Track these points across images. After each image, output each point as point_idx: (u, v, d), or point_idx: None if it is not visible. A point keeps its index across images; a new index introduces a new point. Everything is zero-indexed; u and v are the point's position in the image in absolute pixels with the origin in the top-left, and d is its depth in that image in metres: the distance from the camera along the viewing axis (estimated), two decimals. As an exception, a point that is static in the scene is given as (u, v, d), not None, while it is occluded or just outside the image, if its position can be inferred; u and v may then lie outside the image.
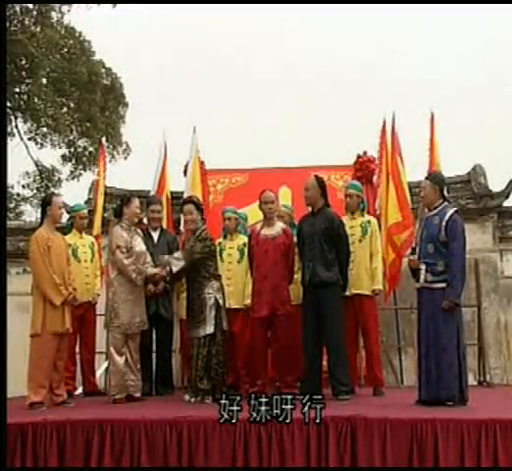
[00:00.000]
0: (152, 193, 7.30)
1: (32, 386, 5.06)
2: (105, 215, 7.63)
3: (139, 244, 5.58)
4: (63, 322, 5.20)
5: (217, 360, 5.29)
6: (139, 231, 5.78)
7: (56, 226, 5.52)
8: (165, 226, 6.74)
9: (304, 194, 5.58)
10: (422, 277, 4.86)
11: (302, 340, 5.47)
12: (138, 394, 5.52)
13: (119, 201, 5.77)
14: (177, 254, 5.54)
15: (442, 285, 4.76)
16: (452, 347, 4.70)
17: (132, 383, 5.49)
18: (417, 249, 4.99)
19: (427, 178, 5.15)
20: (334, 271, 5.39)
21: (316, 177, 5.62)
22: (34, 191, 16.00)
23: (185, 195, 7.41)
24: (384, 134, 7.17)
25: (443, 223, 4.81)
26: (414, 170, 7.22)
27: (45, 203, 5.37)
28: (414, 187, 7.91)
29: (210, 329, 5.28)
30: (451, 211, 4.88)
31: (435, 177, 5.14)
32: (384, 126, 7.22)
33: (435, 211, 4.95)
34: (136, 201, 5.66)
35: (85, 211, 6.58)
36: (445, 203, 4.98)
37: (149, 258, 5.62)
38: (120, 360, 5.41)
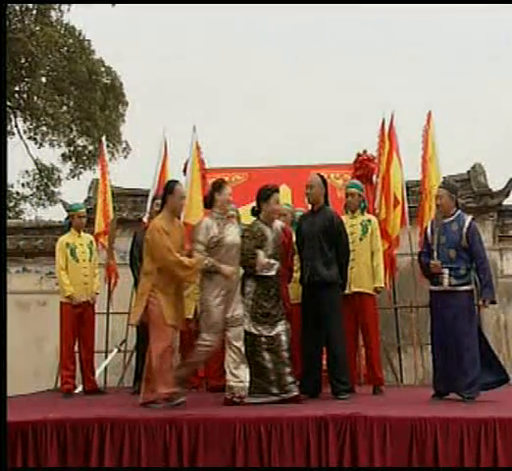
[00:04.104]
0: (152, 192, 7.29)
1: (160, 379, 4.72)
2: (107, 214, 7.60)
3: (232, 234, 5.04)
4: (182, 317, 4.98)
5: None
6: (234, 220, 5.36)
7: (176, 215, 5.16)
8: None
9: (307, 192, 5.55)
10: (445, 281, 5.14)
11: (302, 340, 5.46)
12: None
13: (211, 188, 5.22)
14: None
15: (466, 287, 5.13)
16: (475, 346, 5.08)
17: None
18: (434, 254, 5.17)
19: (442, 186, 5.42)
20: (334, 270, 5.38)
21: (319, 175, 5.62)
22: (34, 190, 16.04)
23: (185, 194, 7.40)
24: (384, 133, 7.17)
25: (464, 230, 5.15)
26: (415, 169, 7.23)
27: (166, 192, 4.99)
28: (413, 187, 7.92)
29: None
30: (469, 219, 5.23)
31: (452, 186, 5.47)
32: (382, 124, 7.21)
33: (452, 218, 5.25)
34: (228, 188, 5.14)
35: (83, 210, 6.59)
36: (459, 210, 5.32)
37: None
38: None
